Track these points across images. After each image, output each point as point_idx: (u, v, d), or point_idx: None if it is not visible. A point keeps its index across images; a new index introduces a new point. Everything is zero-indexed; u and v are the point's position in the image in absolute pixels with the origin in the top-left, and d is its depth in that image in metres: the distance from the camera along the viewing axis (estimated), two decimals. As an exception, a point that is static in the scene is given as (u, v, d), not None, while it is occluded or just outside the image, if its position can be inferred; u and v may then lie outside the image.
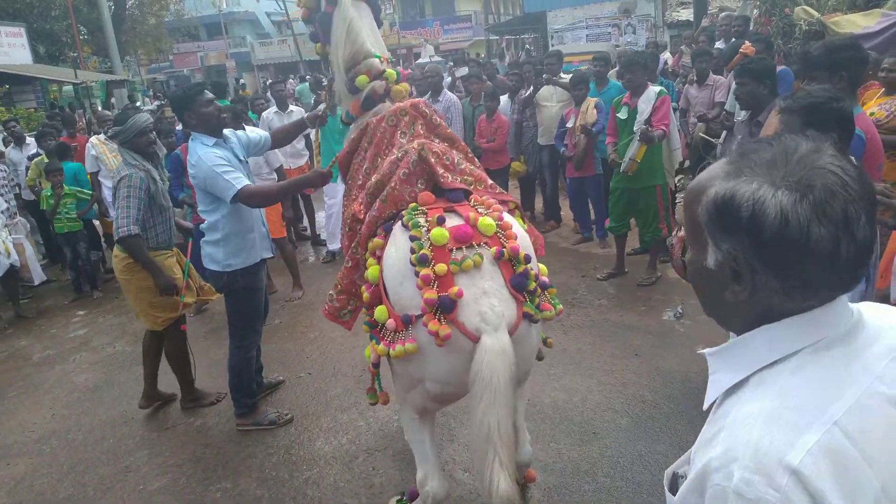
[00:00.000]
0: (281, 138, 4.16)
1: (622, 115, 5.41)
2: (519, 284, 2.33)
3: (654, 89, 5.24)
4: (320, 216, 7.72)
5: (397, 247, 2.46)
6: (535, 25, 21.68)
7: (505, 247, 2.36)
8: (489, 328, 2.20)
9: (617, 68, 7.27)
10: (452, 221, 2.42)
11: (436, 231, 2.34)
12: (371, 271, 2.55)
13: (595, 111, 6.01)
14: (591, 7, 18.66)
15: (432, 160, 2.66)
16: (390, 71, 3.19)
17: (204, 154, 3.47)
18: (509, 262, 2.36)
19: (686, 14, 17.11)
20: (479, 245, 2.35)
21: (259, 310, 3.97)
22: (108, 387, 4.80)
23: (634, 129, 5.20)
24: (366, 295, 2.59)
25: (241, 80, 31.38)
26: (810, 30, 6.19)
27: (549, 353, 4.45)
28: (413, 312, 2.31)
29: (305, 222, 8.15)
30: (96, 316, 6.38)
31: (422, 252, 2.31)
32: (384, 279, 2.48)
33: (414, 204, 2.60)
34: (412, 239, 2.38)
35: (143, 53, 32.94)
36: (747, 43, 5.37)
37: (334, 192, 6.89)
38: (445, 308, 2.22)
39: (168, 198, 4.07)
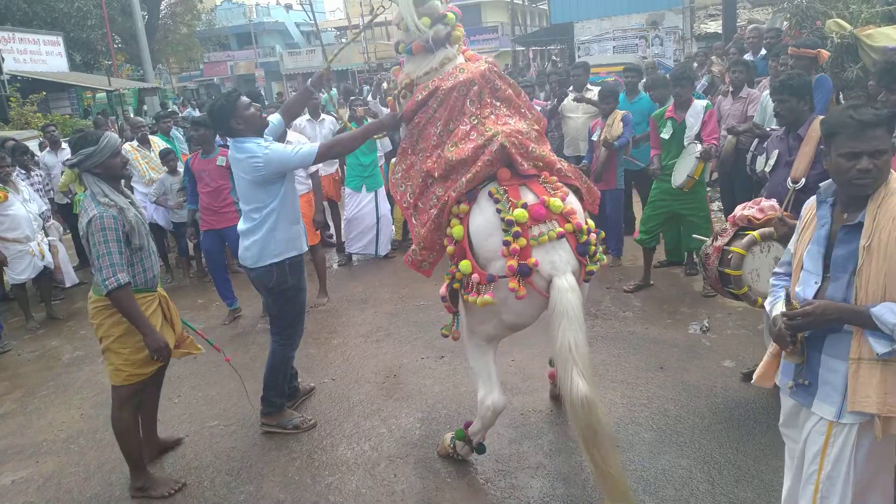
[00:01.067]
0: (291, 111, 4.33)
1: (666, 129, 5.36)
2: (583, 251, 3.03)
3: (700, 103, 5.20)
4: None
5: (482, 211, 3.05)
6: (562, 37, 21.66)
7: (571, 223, 3.01)
8: (559, 272, 2.90)
9: (645, 80, 7.25)
10: (528, 198, 3.02)
11: (518, 212, 2.93)
12: (456, 230, 3.10)
13: (621, 124, 5.97)
14: (618, 19, 18.60)
15: (513, 151, 3.10)
16: (451, 15, 3.44)
17: (269, 148, 3.58)
18: (574, 234, 3.01)
19: (714, 26, 16.99)
20: (549, 222, 2.98)
21: (303, 310, 4.05)
22: (135, 388, 4.87)
23: (685, 143, 5.17)
24: (451, 248, 3.13)
25: (279, 91, 31.93)
26: (842, 43, 6.09)
27: (573, 365, 4.44)
28: (496, 272, 2.94)
29: (332, 230, 8.22)
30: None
31: (507, 218, 2.92)
32: (470, 237, 3.05)
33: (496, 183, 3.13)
34: (498, 211, 2.99)
35: (174, 62, 33.59)
36: (826, 52, 5.22)
37: (360, 202, 7.02)
38: (524, 273, 2.87)
39: (146, 231, 3.48)
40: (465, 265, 3.01)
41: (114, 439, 4.11)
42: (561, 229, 2.96)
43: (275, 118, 4.00)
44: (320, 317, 5.89)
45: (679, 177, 5.17)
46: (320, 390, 4.49)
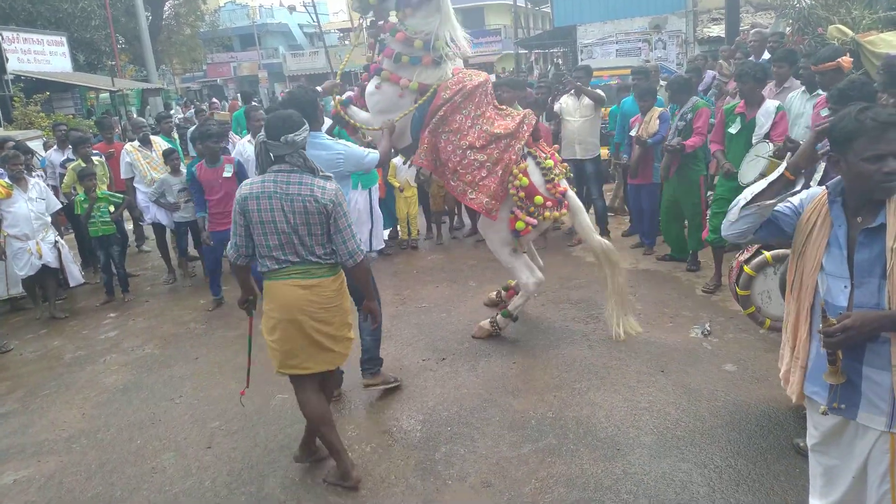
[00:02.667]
0: None
1: (735, 125, 5.31)
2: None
3: (773, 103, 5.13)
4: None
5: (533, 167, 4.68)
6: (565, 40, 21.68)
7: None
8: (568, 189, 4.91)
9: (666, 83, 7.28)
10: (545, 154, 4.80)
11: (548, 162, 4.73)
12: (523, 180, 4.54)
13: (657, 122, 6.07)
14: (621, 22, 18.61)
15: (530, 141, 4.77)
16: (446, 48, 4.62)
17: (345, 146, 4.02)
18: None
19: (718, 30, 17.00)
20: (557, 165, 4.83)
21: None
22: (136, 388, 4.89)
23: (753, 141, 5.11)
24: (522, 193, 4.56)
25: (282, 91, 32.01)
26: (844, 49, 6.10)
27: (574, 368, 4.45)
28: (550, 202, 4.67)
29: None
30: (126, 319, 6.51)
31: (544, 166, 4.70)
32: (534, 183, 4.60)
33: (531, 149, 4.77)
34: (538, 164, 4.70)
35: (177, 63, 33.66)
36: (847, 58, 5.17)
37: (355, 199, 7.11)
38: (561, 203, 4.75)
39: None
40: (538, 199, 4.57)
41: (114, 440, 4.15)
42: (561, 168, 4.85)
43: None
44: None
45: (748, 176, 5.09)
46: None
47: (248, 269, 3.44)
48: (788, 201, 2.33)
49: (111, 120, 9.85)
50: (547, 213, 4.61)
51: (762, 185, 2.33)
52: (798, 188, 2.42)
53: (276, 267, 3.19)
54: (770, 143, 5.00)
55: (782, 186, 2.33)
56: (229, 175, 6.06)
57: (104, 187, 7.35)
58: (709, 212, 5.67)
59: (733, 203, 2.38)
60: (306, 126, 3.22)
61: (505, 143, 4.55)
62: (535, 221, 4.59)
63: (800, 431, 3.37)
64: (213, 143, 6.15)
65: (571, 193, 4.88)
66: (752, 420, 3.65)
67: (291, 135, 3.11)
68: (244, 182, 3.27)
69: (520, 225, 4.61)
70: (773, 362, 3.89)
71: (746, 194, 2.34)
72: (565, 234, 7.64)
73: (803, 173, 2.43)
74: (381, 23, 4.80)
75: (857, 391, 2.09)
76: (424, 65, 4.58)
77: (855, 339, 2.01)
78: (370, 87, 4.86)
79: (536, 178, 4.62)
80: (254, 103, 10.15)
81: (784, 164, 2.34)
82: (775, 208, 2.32)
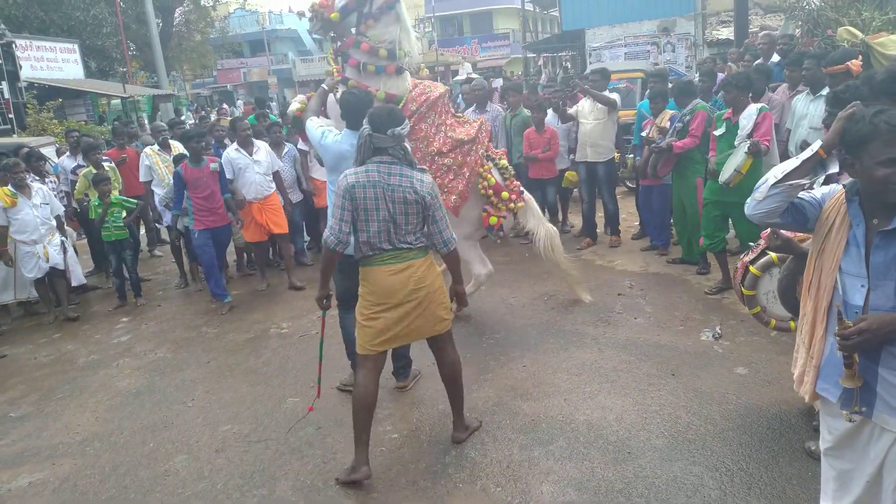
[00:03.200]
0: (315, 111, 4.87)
1: (720, 130, 5.48)
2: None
3: (755, 106, 5.30)
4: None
5: (493, 168, 5.33)
6: (574, 43, 21.68)
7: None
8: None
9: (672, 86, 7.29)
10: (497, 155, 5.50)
11: (503, 162, 5.45)
12: (491, 179, 5.22)
13: (668, 123, 6.11)
14: (629, 25, 18.61)
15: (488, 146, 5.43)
16: (406, 58, 5.05)
17: None
18: None
19: (727, 32, 16.96)
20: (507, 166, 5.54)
21: None
22: (149, 392, 4.92)
23: (736, 143, 5.24)
24: (491, 192, 5.22)
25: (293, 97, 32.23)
26: (854, 51, 6.08)
27: (584, 371, 4.45)
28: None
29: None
30: (139, 323, 6.56)
31: (500, 166, 5.41)
32: (498, 182, 5.27)
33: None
34: (495, 164, 5.39)
35: (188, 69, 33.91)
36: (857, 61, 5.15)
37: None
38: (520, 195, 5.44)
39: None
40: (504, 195, 5.24)
41: (127, 443, 4.19)
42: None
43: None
44: (331, 321, 5.91)
45: (726, 172, 5.19)
46: (333, 395, 4.52)
47: (335, 261, 3.57)
48: (811, 193, 2.31)
49: (126, 126, 9.95)
50: (512, 205, 5.28)
51: (794, 162, 2.29)
52: (830, 169, 2.39)
53: (371, 253, 3.40)
54: (758, 142, 5.04)
55: (814, 164, 2.30)
56: (216, 169, 6.44)
57: (116, 193, 7.43)
58: (701, 220, 5.72)
59: (761, 181, 2.34)
60: (407, 122, 3.44)
61: (467, 147, 5.09)
62: (506, 214, 5.30)
63: (812, 435, 3.35)
64: (195, 143, 6.45)
65: (522, 188, 5.63)
66: (764, 423, 3.64)
67: (398, 128, 3.30)
68: (347, 171, 3.40)
69: (493, 220, 5.26)
70: (784, 365, 3.89)
71: (777, 172, 2.30)
72: (574, 238, 7.64)
73: (834, 154, 2.44)
74: (342, 40, 5.07)
75: (872, 392, 2.08)
76: (388, 73, 4.96)
77: (871, 343, 2.00)
78: (335, 96, 4.90)
79: (498, 176, 5.29)
80: (265, 109, 10.31)
81: (819, 142, 2.32)
82: (801, 196, 2.29)
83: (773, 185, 2.28)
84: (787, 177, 2.27)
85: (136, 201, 7.28)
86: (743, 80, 5.47)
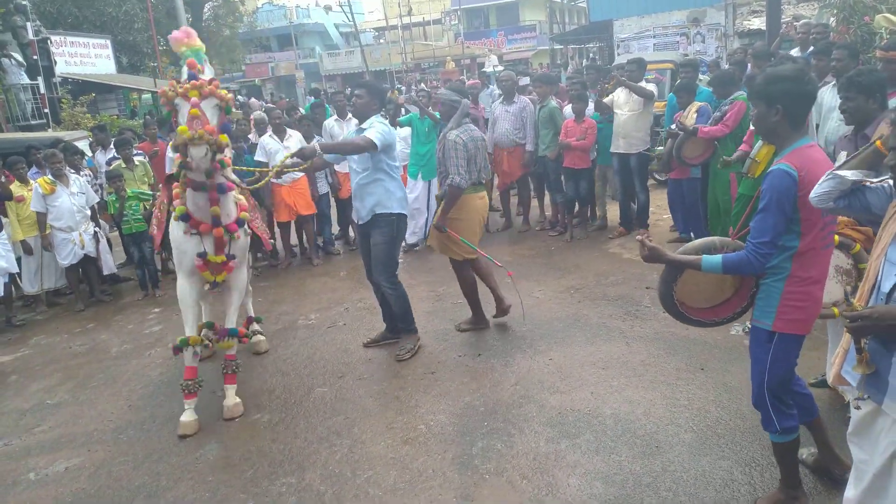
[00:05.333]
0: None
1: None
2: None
3: None
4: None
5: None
6: (601, 34, 21.48)
7: None
8: None
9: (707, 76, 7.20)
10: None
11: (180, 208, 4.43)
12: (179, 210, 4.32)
13: (696, 115, 6.01)
14: (658, 16, 18.37)
15: None
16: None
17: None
18: None
19: (758, 23, 16.64)
20: None
21: None
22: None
23: None
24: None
25: (314, 86, 32.52)
26: (893, 38, 5.91)
27: (612, 365, 4.43)
28: None
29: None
30: (171, 314, 6.67)
31: None
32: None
33: None
34: None
35: (216, 63, 34.12)
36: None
37: (414, 188, 7.52)
38: None
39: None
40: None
41: (160, 431, 4.29)
42: None
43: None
44: (359, 313, 5.97)
45: (746, 162, 5.09)
46: (359, 384, 4.56)
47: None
48: (886, 183, 2.29)
49: (154, 119, 10.13)
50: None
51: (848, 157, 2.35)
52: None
53: (471, 185, 4.89)
54: None
55: (875, 158, 2.32)
56: None
57: (146, 187, 7.60)
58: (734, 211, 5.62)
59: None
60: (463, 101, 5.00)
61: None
62: None
63: (804, 443, 3.29)
64: None
65: None
66: (795, 418, 3.58)
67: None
68: (456, 132, 4.85)
69: None
70: (815, 360, 3.83)
71: (838, 161, 2.36)
72: (602, 229, 7.58)
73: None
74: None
75: (883, 380, 2.09)
76: None
77: (871, 331, 2.03)
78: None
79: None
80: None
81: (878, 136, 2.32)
82: (869, 184, 2.29)
83: (828, 172, 2.33)
84: (840, 167, 2.31)
85: (151, 193, 7.47)
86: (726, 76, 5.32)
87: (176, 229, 4.31)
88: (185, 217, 4.19)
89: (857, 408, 2.18)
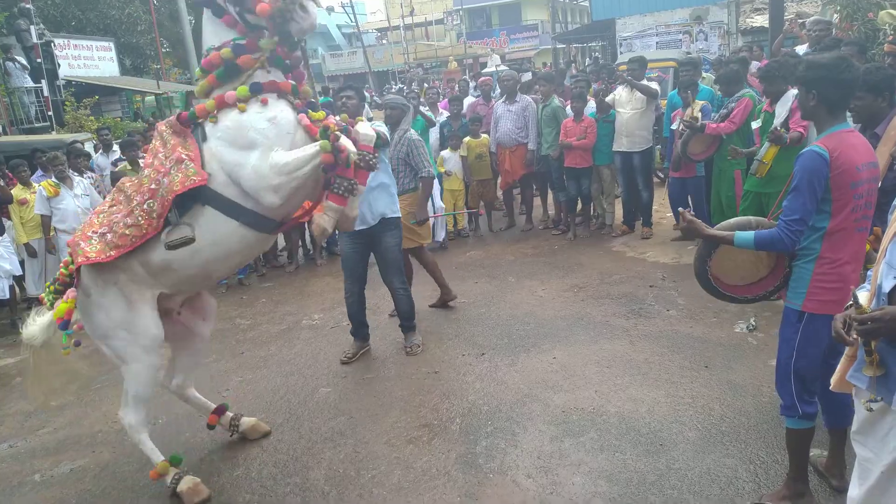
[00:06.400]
0: None
1: (757, 122, 5.34)
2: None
3: (792, 92, 4.99)
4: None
5: None
6: (604, 33, 21.45)
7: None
8: None
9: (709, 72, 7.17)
10: None
11: None
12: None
13: (700, 115, 6.01)
14: (661, 14, 18.31)
15: None
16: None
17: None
18: None
19: (761, 20, 16.60)
20: None
21: None
22: (185, 382, 5.01)
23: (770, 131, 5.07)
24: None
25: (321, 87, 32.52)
26: (896, 34, 5.89)
27: (615, 363, 4.42)
28: None
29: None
30: (174, 315, 6.68)
31: None
32: None
33: None
34: None
35: (220, 66, 34.24)
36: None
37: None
38: None
39: None
40: None
41: (164, 432, 4.29)
42: None
43: None
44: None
45: (753, 162, 5.10)
46: (362, 386, 4.56)
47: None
48: None
49: (156, 122, 10.16)
50: None
51: None
52: None
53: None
54: (777, 130, 4.89)
55: None
56: None
57: None
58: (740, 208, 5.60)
59: None
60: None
61: None
62: None
63: (813, 444, 3.26)
64: None
65: None
66: (800, 416, 3.57)
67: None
68: (412, 132, 5.25)
69: None
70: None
71: None
72: (605, 227, 7.57)
73: None
74: None
75: (893, 380, 2.06)
76: None
77: (881, 333, 1.99)
78: None
79: None
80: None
81: None
82: None
83: None
84: None
85: None
86: (778, 68, 5.25)
87: None
88: None
89: (870, 409, 2.15)
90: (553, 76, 8.82)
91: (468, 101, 9.47)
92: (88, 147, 9.58)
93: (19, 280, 7.22)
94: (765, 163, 4.98)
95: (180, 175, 3.08)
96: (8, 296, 6.78)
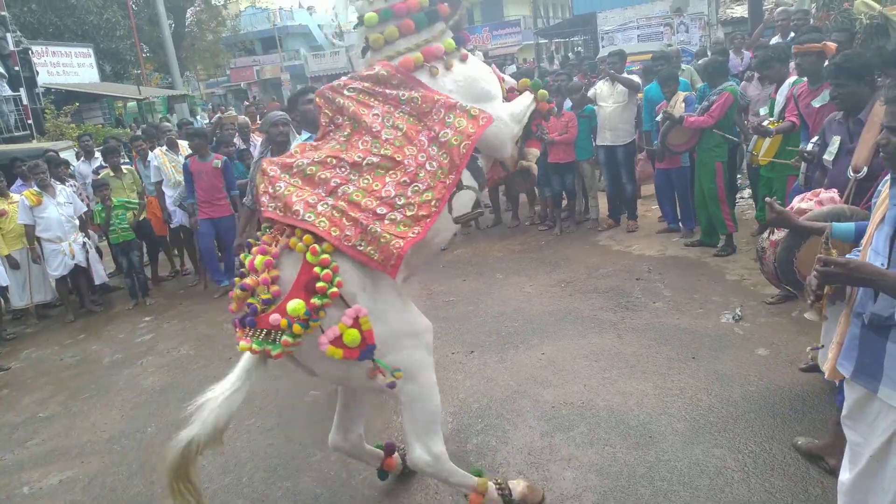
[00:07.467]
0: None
1: (765, 109, 5.33)
2: (246, 319, 2.76)
3: (790, 80, 4.95)
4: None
5: None
6: (585, 27, 21.51)
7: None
8: None
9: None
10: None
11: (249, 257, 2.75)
12: None
13: (683, 105, 6.04)
14: (641, 7, 18.41)
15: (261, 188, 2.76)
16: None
17: None
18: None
19: (741, 10, 16.71)
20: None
21: None
22: (173, 389, 4.99)
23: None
24: None
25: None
26: (871, 24, 5.94)
27: (604, 357, 4.44)
28: None
29: None
30: (161, 322, 6.64)
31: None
32: None
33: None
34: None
35: (201, 69, 34.14)
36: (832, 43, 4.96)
37: None
38: None
39: None
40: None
41: (154, 440, 4.26)
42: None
43: None
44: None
45: (748, 155, 5.13)
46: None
47: None
48: None
49: (139, 127, 10.10)
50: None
51: None
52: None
53: None
54: (760, 124, 4.92)
55: None
56: (218, 166, 6.82)
57: (134, 195, 7.56)
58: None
59: None
60: None
61: None
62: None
63: (801, 431, 3.32)
64: (198, 140, 6.99)
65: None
66: (786, 404, 3.61)
67: None
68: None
69: None
70: (805, 345, 3.86)
71: None
72: (592, 222, 7.60)
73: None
74: None
75: (879, 367, 2.08)
76: None
77: (843, 281, 2.07)
78: None
79: None
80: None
81: None
82: None
83: None
84: None
85: (137, 201, 7.47)
86: (774, 53, 5.20)
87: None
88: None
89: (813, 360, 2.19)
90: (533, 72, 8.84)
91: None
92: (69, 155, 9.49)
93: (3, 292, 7.14)
94: (754, 154, 5.00)
95: (464, 119, 2.60)
96: (-8, 308, 6.72)
